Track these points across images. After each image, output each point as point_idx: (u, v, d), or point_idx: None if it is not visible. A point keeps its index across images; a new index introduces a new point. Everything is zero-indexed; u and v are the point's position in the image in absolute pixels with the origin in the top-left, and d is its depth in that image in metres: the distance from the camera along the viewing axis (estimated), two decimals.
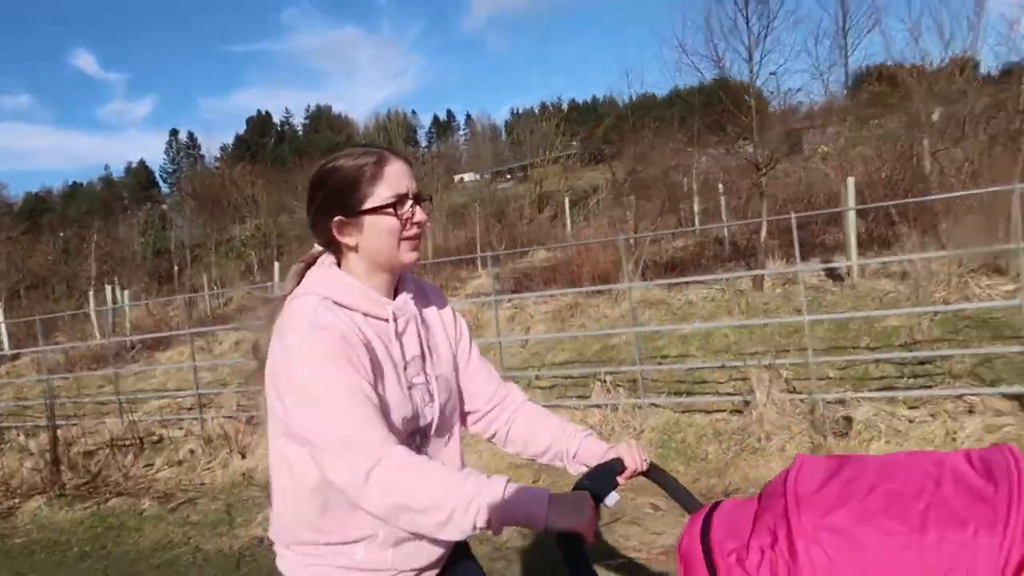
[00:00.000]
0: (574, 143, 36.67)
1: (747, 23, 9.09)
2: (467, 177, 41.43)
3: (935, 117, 12.38)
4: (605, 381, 6.39)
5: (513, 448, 1.71)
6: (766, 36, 8.95)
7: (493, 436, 1.71)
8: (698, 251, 13.27)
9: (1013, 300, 7.26)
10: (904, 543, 0.84)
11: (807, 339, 5.53)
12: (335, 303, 1.39)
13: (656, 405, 5.99)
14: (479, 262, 15.71)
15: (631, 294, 10.32)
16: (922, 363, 6.18)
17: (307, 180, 1.48)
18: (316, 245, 1.54)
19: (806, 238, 12.18)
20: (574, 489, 1.37)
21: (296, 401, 1.32)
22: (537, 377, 7.98)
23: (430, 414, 1.49)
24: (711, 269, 11.69)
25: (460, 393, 1.66)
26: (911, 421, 5.04)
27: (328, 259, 1.49)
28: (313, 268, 1.49)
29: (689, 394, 6.41)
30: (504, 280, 14.69)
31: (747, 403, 5.56)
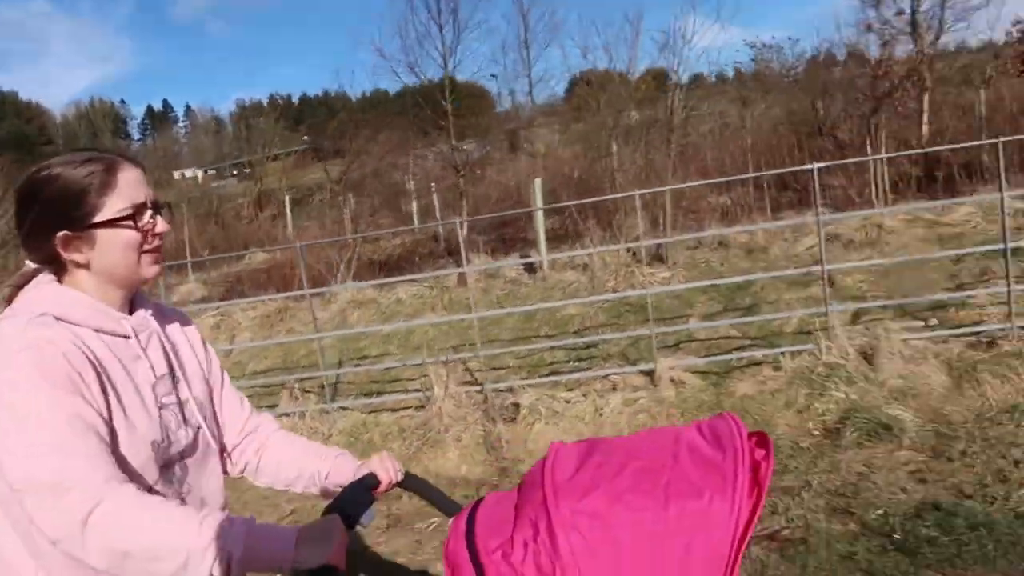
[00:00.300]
0: (305, 138, 35.59)
1: (440, 31, 9.42)
2: (188, 173, 38.45)
3: (635, 119, 13.89)
4: (293, 388, 6.27)
5: (265, 480, 1.58)
6: (458, 44, 9.35)
7: (243, 470, 1.59)
8: (414, 249, 13.57)
9: (668, 286, 8.40)
10: (651, 518, 0.89)
11: (475, 334, 5.88)
12: (56, 319, 1.19)
13: (345, 408, 6.01)
14: (189, 267, 14.62)
15: (341, 296, 10.28)
16: (587, 347, 6.90)
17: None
18: (28, 262, 1.32)
19: (514, 234, 13.03)
20: (325, 513, 1.31)
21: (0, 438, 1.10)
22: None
23: (184, 438, 1.35)
24: (424, 267, 12.03)
25: (218, 421, 1.52)
26: (568, 402, 5.59)
27: (47, 277, 1.29)
28: (28, 287, 1.29)
29: (379, 394, 6.52)
30: (215, 286, 13.83)
31: (429, 398, 5.78)
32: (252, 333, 9.88)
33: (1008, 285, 5.27)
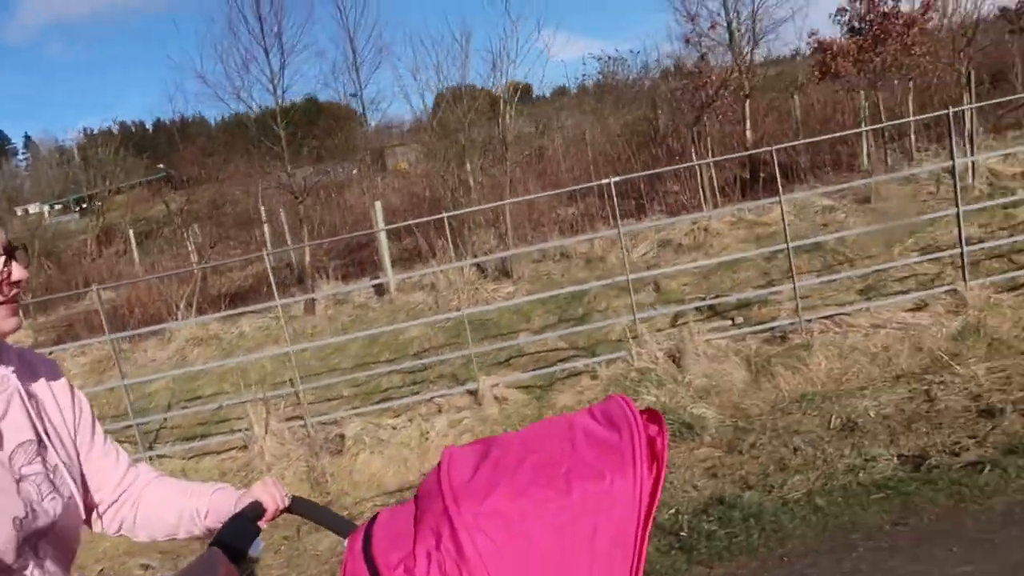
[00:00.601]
0: (160, 166, 33.83)
1: (267, 55, 9.19)
2: (33, 209, 35.67)
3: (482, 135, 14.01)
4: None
5: (145, 534, 1.43)
6: (284, 68, 9.16)
7: (119, 528, 1.43)
8: (265, 278, 13.13)
9: (510, 300, 8.52)
10: (556, 508, 0.87)
11: (301, 366, 5.74)
12: None
13: (164, 456, 5.71)
14: (21, 312, 13.51)
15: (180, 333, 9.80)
16: (422, 370, 6.88)
17: None
18: None
19: (367, 257, 12.85)
20: (209, 547, 1.20)
21: None
22: None
23: (52, 511, 1.20)
24: (274, 296, 11.66)
25: (85, 483, 1.36)
26: (394, 428, 5.54)
27: None
28: None
29: (204, 436, 6.24)
30: (50, 330, 12.90)
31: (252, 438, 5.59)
32: (83, 380, 9.24)
33: (793, 281, 5.67)
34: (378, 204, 9.33)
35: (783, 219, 6.21)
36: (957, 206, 5.62)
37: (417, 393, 6.06)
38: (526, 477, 0.91)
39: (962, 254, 5.64)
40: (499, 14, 9.39)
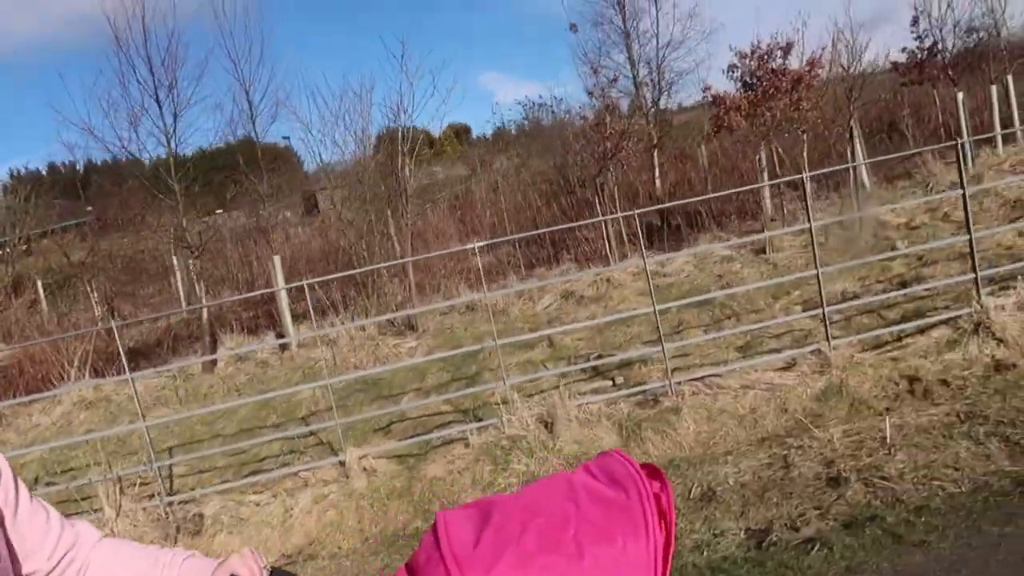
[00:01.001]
0: (89, 209, 32.88)
1: (159, 107, 9.01)
2: None
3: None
4: None
5: None
6: (176, 118, 9.00)
7: None
8: (179, 332, 12.75)
9: (404, 361, 8.39)
10: (565, 573, 0.84)
11: (146, 442, 5.50)
12: None
13: None
14: None
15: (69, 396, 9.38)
16: (308, 435, 6.68)
17: None
18: None
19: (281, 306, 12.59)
20: None
21: None
22: None
23: None
24: (181, 351, 11.31)
25: (12, 553, 1.20)
26: (258, 505, 5.33)
27: None
28: None
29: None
30: None
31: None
32: None
33: (661, 344, 5.69)
34: (277, 259, 9.14)
35: (646, 282, 6.29)
36: (816, 267, 5.74)
37: (287, 465, 5.87)
38: (532, 543, 0.87)
39: (823, 314, 5.75)
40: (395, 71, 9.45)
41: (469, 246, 10.30)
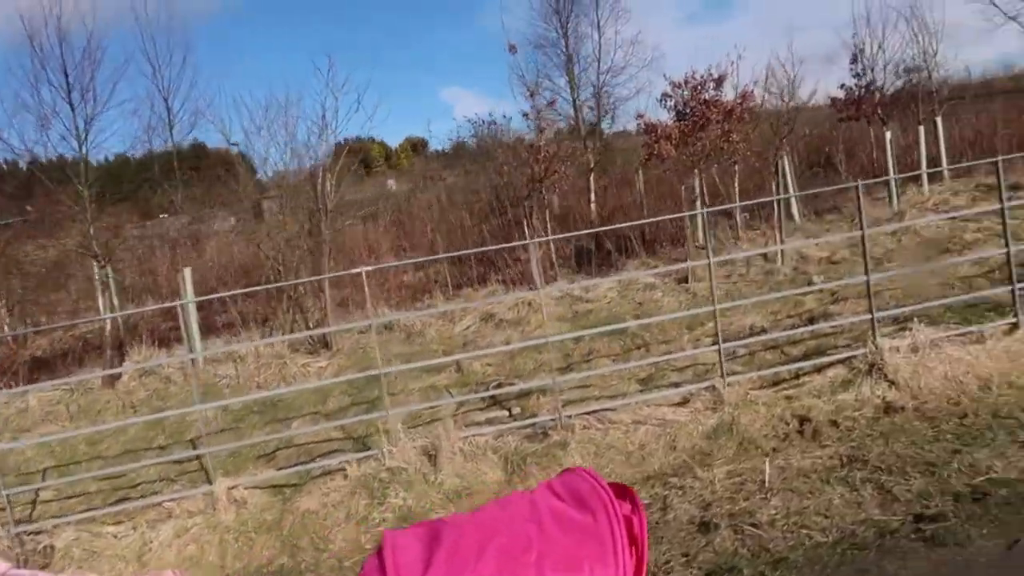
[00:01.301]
0: (28, 208, 31.83)
1: (72, 109, 8.64)
2: None
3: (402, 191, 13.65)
4: None
5: None
6: (89, 121, 8.65)
7: None
8: (93, 342, 12.23)
9: (320, 380, 8.10)
10: None
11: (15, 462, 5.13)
12: None
13: None
14: None
15: None
16: (195, 459, 6.33)
17: None
18: None
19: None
20: None
21: None
22: None
23: None
24: (88, 363, 10.83)
25: None
26: (116, 537, 4.99)
27: None
28: None
29: None
30: None
31: None
32: None
33: (553, 377, 5.53)
34: (187, 271, 8.79)
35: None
36: (714, 303, 5.64)
37: (156, 493, 5.54)
38: (490, 567, 0.80)
39: (719, 351, 5.65)
40: (322, 85, 9.26)
41: (383, 264, 10.09)
